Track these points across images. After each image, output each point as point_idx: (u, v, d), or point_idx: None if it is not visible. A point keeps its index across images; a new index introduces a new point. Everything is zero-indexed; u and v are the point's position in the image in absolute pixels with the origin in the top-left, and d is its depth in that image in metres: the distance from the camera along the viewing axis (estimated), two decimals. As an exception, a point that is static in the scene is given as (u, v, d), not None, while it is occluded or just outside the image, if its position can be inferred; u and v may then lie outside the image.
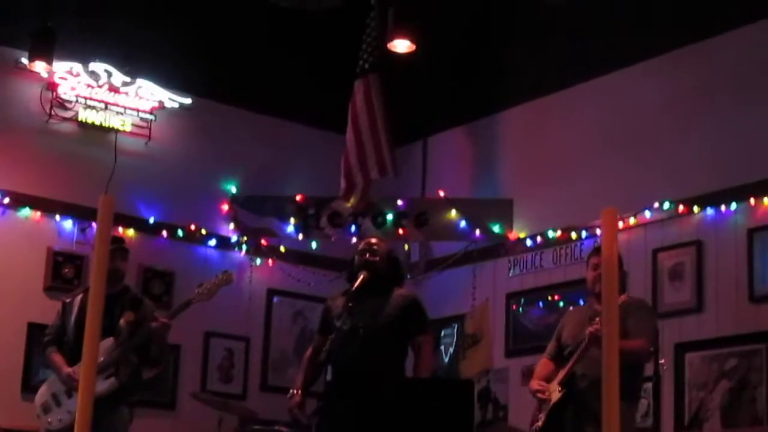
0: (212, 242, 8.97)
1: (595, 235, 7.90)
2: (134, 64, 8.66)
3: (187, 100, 8.89)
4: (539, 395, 6.14)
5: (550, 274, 8.38)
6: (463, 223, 8.90)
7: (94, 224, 7.89)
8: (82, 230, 8.40)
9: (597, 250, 6.23)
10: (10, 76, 8.38)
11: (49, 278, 8.25)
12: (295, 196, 9.11)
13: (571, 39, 8.32)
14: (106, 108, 8.61)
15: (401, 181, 9.09)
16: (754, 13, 7.41)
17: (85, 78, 8.53)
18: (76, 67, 8.49)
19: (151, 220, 8.74)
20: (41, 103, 8.41)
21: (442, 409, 5.71)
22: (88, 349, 3.04)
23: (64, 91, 8.46)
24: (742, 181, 7.25)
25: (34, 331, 7.84)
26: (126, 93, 8.68)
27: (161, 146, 8.88)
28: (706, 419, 7.16)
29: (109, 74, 8.62)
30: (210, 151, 9.13)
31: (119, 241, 6.93)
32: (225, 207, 9.11)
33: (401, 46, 7.98)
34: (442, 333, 8.95)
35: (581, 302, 7.23)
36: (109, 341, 6.47)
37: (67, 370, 6.51)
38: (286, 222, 9.09)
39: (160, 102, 8.79)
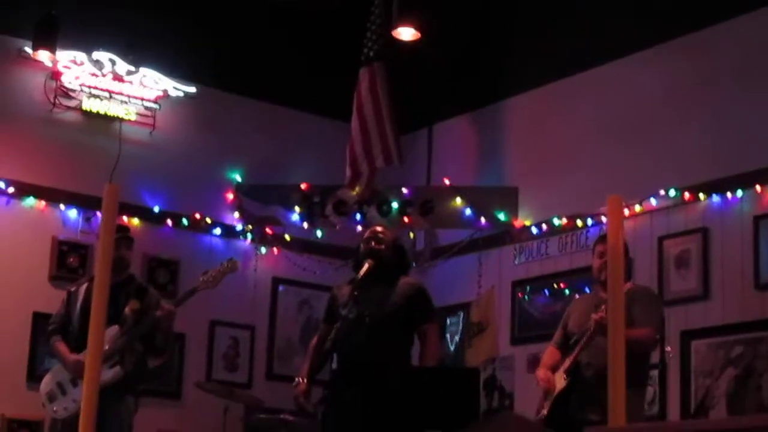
0: (217, 231, 8.97)
1: (601, 223, 7.89)
2: (138, 53, 8.64)
3: (192, 89, 8.87)
4: (542, 384, 6.13)
5: (556, 262, 8.37)
6: (468, 211, 8.89)
7: (98, 213, 7.89)
8: (87, 219, 8.39)
9: (603, 238, 6.22)
10: (14, 66, 8.37)
11: (54, 268, 8.25)
12: (300, 184, 9.10)
13: (576, 27, 8.30)
14: (110, 97, 8.60)
15: (406, 170, 9.07)
16: (754, 0, 7.40)
17: (89, 67, 8.52)
18: (80, 56, 8.48)
19: (156, 209, 8.73)
20: (45, 92, 8.40)
21: (448, 398, 5.71)
22: (93, 337, 3.04)
23: (68, 81, 8.44)
24: (748, 168, 7.23)
25: (39, 320, 7.84)
26: (130, 82, 8.67)
27: (166, 135, 8.87)
28: (712, 406, 7.15)
29: (113, 63, 8.60)
30: (214, 139, 9.12)
31: (124, 230, 6.93)
32: (230, 196, 9.10)
33: (406, 34, 7.96)
34: (448, 321, 8.94)
35: (587, 290, 7.23)
36: (114, 329, 6.47)
37: (74, 357, 6.50)
38: (291, 210, 9.08)
39: (165, 91, 8.77)
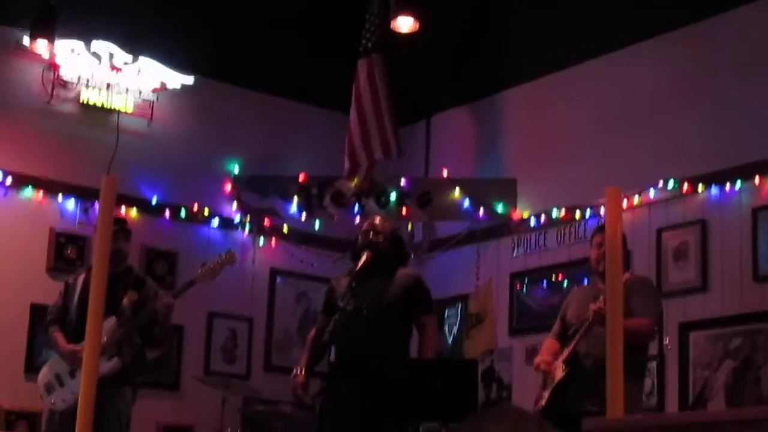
0: (215, 222, 8.95)
1: (599, 215, 7.88)
2: (136, 44, 8.62)
3: (190, 80, 8.85)
4: (543, 366, 6.12)
5: (554, 254, 8.36)
6: (466, 203, 8.88)
7: (96, 205, 7.87)
8: (85, 211, 8.38)
9: (600, 229, 6.21)
10: (12, 57, 8.34)
11: (52, 259, 8.23)
12: (298, 175, 9.09)
13: (574, 18, 8.27)
14: (107, 88, 8.58)
15: (404, 161, 9.06)
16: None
17: (87, 58, 8.49)
18: (78, 46, 8.45)
19: (154, 201, 8.72)
20: (43, 83, 8.38)
21: (446, 389, 5.71)
22: (91, 329, 3.03)
23: (66, 72, 8.42)
24: (747, 160, 7.22)
25: (37, 312, 7.83)
26: (128, 73, 8.64)
27: (163, 126, 8.86)
28: (711, 398, 7.15)
29: (111, 54, 8.58)
30: (212, 131, 9.10)
31: (122, 221, 6.92)
32: (228, 187, 9.08)
33: (404, 25, 7.94)
34: (446, 313, 8.94)
35: (585, 281, 7.23)
36: (112, 321, 6.45)
37: (70, 346, 6.49)
38: (289, 202, 9.07)
39: (162, 82, 8.75)
